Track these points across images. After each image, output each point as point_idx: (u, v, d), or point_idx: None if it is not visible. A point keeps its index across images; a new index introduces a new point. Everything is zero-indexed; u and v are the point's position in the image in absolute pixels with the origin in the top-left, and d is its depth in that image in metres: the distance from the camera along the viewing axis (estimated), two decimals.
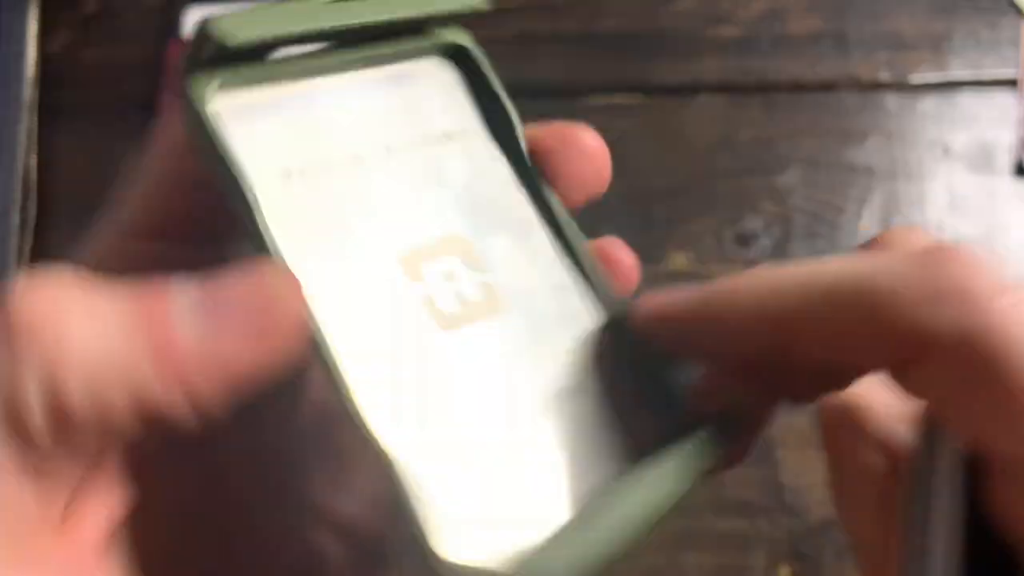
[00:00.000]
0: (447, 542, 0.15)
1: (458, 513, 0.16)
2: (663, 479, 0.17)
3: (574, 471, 0.17)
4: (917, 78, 0.57)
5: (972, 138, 0.55)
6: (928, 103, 0.56)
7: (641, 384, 0.19)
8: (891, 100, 0.56)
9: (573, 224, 0.20)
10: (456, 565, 0.15)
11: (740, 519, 0.49)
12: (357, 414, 0.16)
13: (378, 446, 0.16)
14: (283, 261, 0.16)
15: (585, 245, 0.20)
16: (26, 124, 0.55)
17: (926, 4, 0.58)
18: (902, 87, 0.57)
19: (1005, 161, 0.55)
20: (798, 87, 0.57)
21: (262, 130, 0.17)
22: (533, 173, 0.20)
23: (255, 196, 0.16)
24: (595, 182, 0.20)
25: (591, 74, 0.57)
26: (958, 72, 0.57)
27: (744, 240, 0.54)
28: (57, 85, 0.58)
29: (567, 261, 0.20)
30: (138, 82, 0.58)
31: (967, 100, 0.56)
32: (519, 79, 0.55)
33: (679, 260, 0.53)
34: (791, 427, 0.50)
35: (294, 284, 0.16)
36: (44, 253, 0.55)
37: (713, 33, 0.58)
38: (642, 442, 0.18)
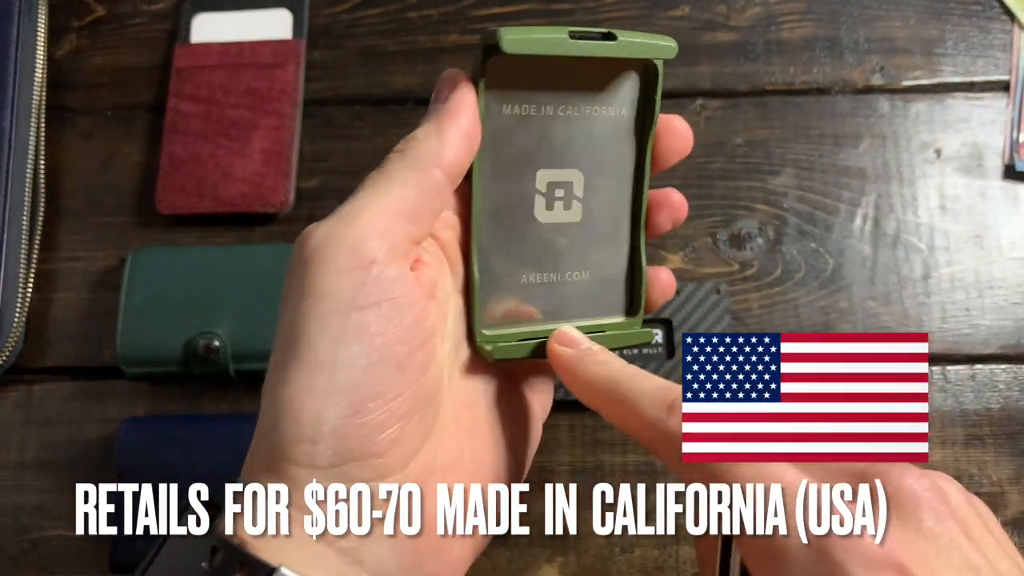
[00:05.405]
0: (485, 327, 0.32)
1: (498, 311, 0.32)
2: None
3: (573, 309, 0.34)
4: (909, 82, 0.57)
5: (963, 141, 0.56)
6: (920, 106, 0.57)
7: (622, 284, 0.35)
8: (884, 103, 0.57)
9: (646, 182, 0.34)
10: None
11: None
12: (473, 246, 0.31)
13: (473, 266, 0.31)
14: (481, 151, 0.30)
15: (647, 193, 0.34)
16: (35, 127, 0.56)
17: (918, 9, 0.59)
18: (894, 91, 0.57)
19: (996, 164, 0.56)
20: (792, 91, 0.58)
21: (505, 88, 0.30)
22: (647, 146, 0.33)
23: (483, 113, 0.30)
24: (682, 148, 0.33)
25: None
26: (950, 76, 0.57)
27: (739, 241, 0.55)
28: (65, 88, 0.59)
29: (632, 204, 0.34)
30: (145, 86, 0.59)
31: (958, 103, 0.57)
32: None
33: (675, 260, 0.54)
34: None
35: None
36: (53, 253, 0.56)
37: (709, 39, 0.59)
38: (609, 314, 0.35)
